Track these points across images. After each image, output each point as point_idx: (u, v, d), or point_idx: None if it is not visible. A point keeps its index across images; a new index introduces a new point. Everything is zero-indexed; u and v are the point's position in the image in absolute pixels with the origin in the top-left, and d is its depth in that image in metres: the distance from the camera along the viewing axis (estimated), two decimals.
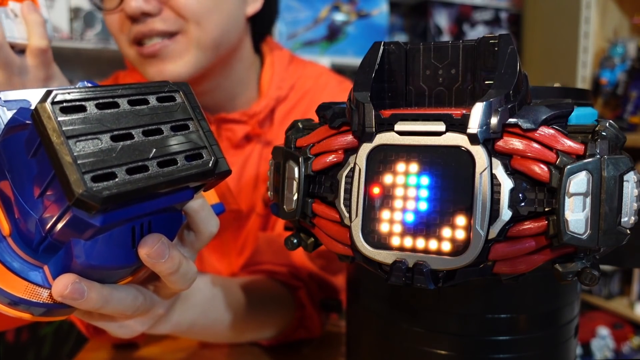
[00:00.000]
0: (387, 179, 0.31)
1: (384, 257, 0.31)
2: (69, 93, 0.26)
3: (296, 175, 0.34)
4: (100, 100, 0.27)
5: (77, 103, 0.26)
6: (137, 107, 0.28)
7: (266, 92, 0.71)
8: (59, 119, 0.25)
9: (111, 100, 0.27)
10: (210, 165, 0.29)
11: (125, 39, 0.62)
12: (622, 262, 0.38)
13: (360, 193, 0.31)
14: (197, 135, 0.30)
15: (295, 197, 0.34)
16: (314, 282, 0.66)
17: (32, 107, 0.30)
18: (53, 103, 0.25)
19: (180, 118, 0.29)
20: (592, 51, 1.91)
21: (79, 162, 0.25)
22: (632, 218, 0.28)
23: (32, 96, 0.32)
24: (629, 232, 0.28)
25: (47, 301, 0.31)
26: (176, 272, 0.34)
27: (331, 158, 0.33)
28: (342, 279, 0.68)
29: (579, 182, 0.27)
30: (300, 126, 0.38)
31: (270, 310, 0.62)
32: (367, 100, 0.32)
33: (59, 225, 0.27)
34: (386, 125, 0.31)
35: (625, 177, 0.27)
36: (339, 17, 1.93)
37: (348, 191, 0.32)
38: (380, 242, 0.31)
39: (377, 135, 0.31)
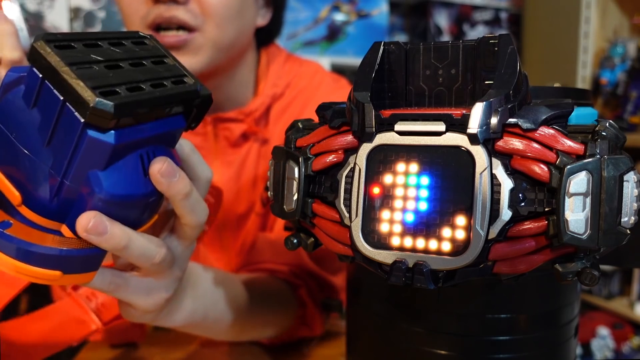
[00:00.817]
0: (387, 179, 0.31)
1: (384, 257, 0.31)
2: (57, 34, 0.28)
3: (296, 175, 0.34)
4: (85, 41, 0.30)
5: (66, 42, 0.29)
6: (117, 47, 0.31)
7: (262, 90, 0.71)
8: (57, 51, 0.28)
9: (94, 41, 0.30)
10: (195, 87, 0.33)
11: (140, 21, 0.61)
12: (622, 262, 0.38)
13: (360, 193, 0.31)
14: (175, 67, 0.33)
15: (295, 197, 0.34)
16: (314, 281, 0.66)
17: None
18: (47, 41, 0.28)
19: (157, 55, 0.33)
20: (592, 51, 1.91)
21: (85, 80, 0.27)
22: (632, 218, 0.28)
23: None
24: (629, 232, 0.28)
25: (74, 247, 0.32)
26: (189, 197, 0.35)
27: (331, 158, 0.33)
28: (342, 278, 0.68)
29: (579, 182, 0.27)
30: (300, 126, 0.38)
31: (274, 306, 0.62)
32: (367, 100, 0.32)
33: (75, 159, 0.29)
34: (386, 125, 0.31)
35: (625, 177, 0.27)
36: (339, 17, 1.93)
37: (348, 191, 0.32)
38: (380, 242, 0.31)
39: (377, 135, 0.31)
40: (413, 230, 0.30)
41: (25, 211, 0.31)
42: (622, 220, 0.28)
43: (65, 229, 0.31)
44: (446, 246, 0.29)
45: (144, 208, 0.34)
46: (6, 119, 0.29)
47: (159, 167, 0.32)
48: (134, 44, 0.32)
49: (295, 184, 0.34)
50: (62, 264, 0.32)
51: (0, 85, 0.29)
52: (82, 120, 0.27)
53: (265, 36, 0.74)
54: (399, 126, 0.31)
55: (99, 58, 0.29)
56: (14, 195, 0.30)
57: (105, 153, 0.29)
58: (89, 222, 0.30)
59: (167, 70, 0.32)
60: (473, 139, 0.29)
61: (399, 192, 0.31)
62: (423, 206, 0.30)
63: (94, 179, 0.30)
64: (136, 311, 0.40)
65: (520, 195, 0.28)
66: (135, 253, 0.34)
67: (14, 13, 0.51)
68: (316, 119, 0.37)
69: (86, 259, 0.33)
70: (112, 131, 0.28)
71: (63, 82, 0.27)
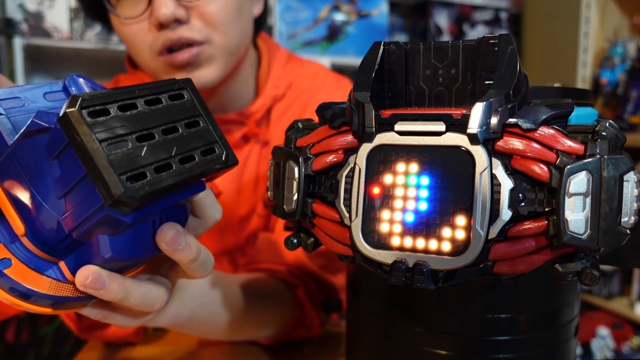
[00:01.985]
0: (387, 179, 0.31)
1: (384, 257, 0.31)
2: (92, 97, 0.27)
3: (296, 175, 0.34)
4: (121, 103, 0.28)
5: (102, 107, 0.27)
6: (153, 107, 0.30)
7: (263, 92, 0.71)
8: (90, 123, 0.26)
9: (131, 102, 0.29)
10: (223, 158, 0.32)
11: (149, 49, 0.60)
12: (622, 262, 0.38)
13: (360, 193, 0.31)
14: (208, 131, 0.32)
15: (295, 197, 0.34)
16: (313, 282, 0.66)
17: (25, 103, 0.31)
18: (82, 108, 0.26)
19: (192, 115, 0.32)
20: (592, 51, 1.91)
21: (114, 164, 0.26)
22: (632, 218, 0.28)
23: (19, 93, 0.32)
24: (629, 232, 0.28)
25: (69, 294, 0.32)
26: (196, 260, 0.35)
27: (331, 158, 0.33)
28: (342, 278, 0.68)
29: (579, 182, 0.27)
30: (300, 126, 0.38)
31: (269, 306, 0.62)
32: (367, 100, 0.32)
33: (87, 224, 0.28)
34: (386, 125, 0.31)
35: (625, 177, 0.27)
36: (339, 17, 1.93)
37: (348, 191, 0.32)
38: (380, 242, 0.31)
39: (377, 135, 0.31)
40: (413, 230, 0.30)
41: (26, 242, 0.31)
42: (622, 220, 0.28)
43: (63, 266, 0.32)
44: (446, 246, 0.29)
45: (145, 261, 0.35)
46: (24, 161, 0.29)
47: (165, 237, 0.32)
48: (172, 99, 0.31)
49: (295, 184, 0.34)
50: (55, 305, 0.33)
51: (24, 128, 0.28)
52: (103, 202, 0.26)
53: (258, 25, 0.73)
54: (399, 126, 0.31)
55: (132, 129, 0.28)
56: (18, 226, 0.30)
57: (119, 227, 0.29)
58: (88, 278, 0.31)
59: (199, 136, 0.31)
60: (473, 139, 0.29)
61: (399, 192, 0.31)
62: (423, 206, 0.30)
63: (103, 242, 0.30)
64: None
65: (520, 195, 0.28)
66: (133, 303, 0.34)
67: None
68: (317, 119, 0.37)
69: (79, 303, 0.34)
70: (132, 212, 0.28)
71: (90, 161, 0.26)
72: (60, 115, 0.26)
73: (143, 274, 0.38)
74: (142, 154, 0.28)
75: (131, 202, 0.26)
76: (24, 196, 0.29)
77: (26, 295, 0.31)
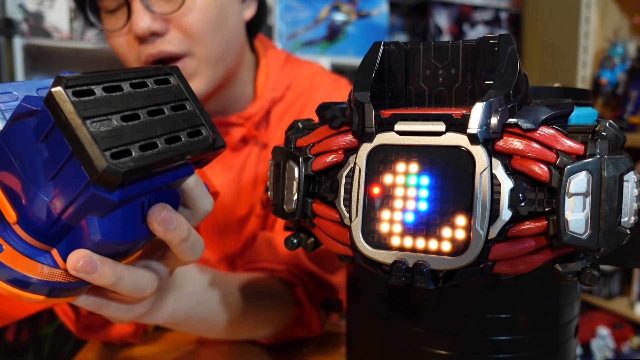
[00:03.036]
0: (387, 179, 0.31)
1: (384, 257, 0.31)
2: (77, 78, 0.27)
3: (296, 175, 0.34)
4: (106, 84, 0.29)
5: (87, 87, 0.28)
6: (139, 90, 0.30)
7: (261, 94, 0.71)
8: (74, 102, 0.27)
9: (116, 83, 0.29)
10: (210, 140, 0.32)
11: (136, 62, 0.61)
12: (622, 262, 0.38)
13: (360, 193, 0.31)
14: (194, 114, 0.32)
15: (295, 197, 0.34)
16: (312, 281, 0.66)
17: (17, 97, 0.31)
18: (67, 87, 0.27)
19: (178, 99, 0.32)
20: (592, 51, 1.91)
21: (98, 140, 0.26)
22: (632, 218, 0.28)
23: (12, 88, 0.32)
24: (629, 232, 0.28)
25: (61, 280, 0.32)
26: (186, 240, 0.35)
27: (331, 158, 0.33)
28: (342, 277, 0.68)
29: (579, 182, 0.27)
30: (300, 126, 0.38)
31: (268, 305, 0.62)
32: (367, 100, 0.32)
33: (75, 205, 0.28)
34: (386, 125, 0.31)
35: (625, 177, 0.27)
36: (339, 17, 1.93)
37: (348, 191, 0.32)
38: (380, 242, 0.31)
39: (377, 135, 0.31)
40: (413, 230, 0.30)
41: (18, 230, 0.31)
42: (622, 220, 0.28)
43: (55, 254, 0.32)
44: (446, 246, 0.29)
45: (137, 246, 0.35)
46: (13, 146, 0.29)
47: (157, 216, 0.32)
48: (157, 83, 0.31)
49: (295, 184, 0.34)
50: (48, 292, 0.33)
51: (13, 113, 0.28)
52: (89, 179, 0.27)
53: (253, 27, 0.72)
54: (399, 126, 0.31)
55: (116, 108, 0.28)
56: (9, 214, 0.30)
57: (107, 207, 0.29)
58: (79, 262, 0.31)
59: (185, 119, 0.31)
60: (473, 139, 0.29)
61: (399, 192, 0.31)
62: (423, 206, 0.30)
63: (92, 224, 0.30)
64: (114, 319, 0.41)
65: (520, 195, 0.28)
66: (125, 288, 0.34)
67: None
68: (316, 119, 0.37)
69: (73, 290, 0.34)
70: (118, 190, 0.28)
71: (75, 138, 0.26)
72: (46, 95, 0.27)
73: (134, 263, 0.38)
74: (127, 132, 0.28)
75: (115, 177, 0.26)
76: (15, 182, 0.30)
77: (19, 282, 0.31)
